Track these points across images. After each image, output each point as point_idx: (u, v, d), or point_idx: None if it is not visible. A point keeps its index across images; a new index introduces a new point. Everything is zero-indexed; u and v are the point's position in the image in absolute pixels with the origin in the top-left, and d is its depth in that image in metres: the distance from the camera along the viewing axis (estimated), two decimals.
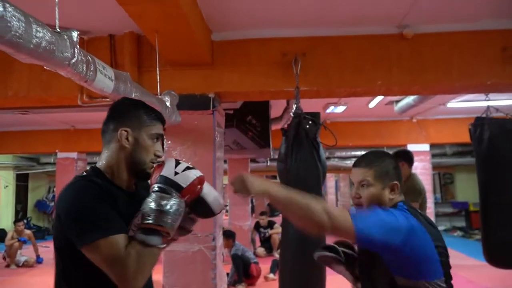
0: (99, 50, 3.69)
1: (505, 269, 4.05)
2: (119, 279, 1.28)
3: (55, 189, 11.45)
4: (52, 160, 11.96)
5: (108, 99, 3.50)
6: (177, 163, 1.40)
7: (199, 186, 1.40)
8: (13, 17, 1.28)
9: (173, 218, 1.30)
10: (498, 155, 3.80)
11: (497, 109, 4.04)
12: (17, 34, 1.31)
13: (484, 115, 3.99)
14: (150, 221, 1.28)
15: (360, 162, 1.88)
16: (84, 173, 1.49)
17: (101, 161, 1.50)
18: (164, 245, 1.36)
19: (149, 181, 1.51)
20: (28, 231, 9.24)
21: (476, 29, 3.59)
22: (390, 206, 1.78)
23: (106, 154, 1.50)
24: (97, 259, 1.29)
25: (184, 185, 1.34)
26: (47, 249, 9.68)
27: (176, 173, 1.35)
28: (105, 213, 1.33)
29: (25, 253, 8.87)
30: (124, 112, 1.51)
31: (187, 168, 1.39)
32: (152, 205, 1.29)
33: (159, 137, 1.54)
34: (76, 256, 1.32)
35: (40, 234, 12.62)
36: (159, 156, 1.52)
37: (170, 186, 1.33)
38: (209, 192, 1.46)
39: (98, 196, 1.36)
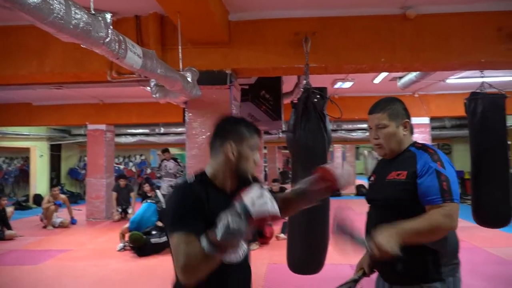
0: (126, 30, 3.76)
1: (491, 228, 4.29)
2: (175, 269, 1.44)
3: (86, 158, 11.69)
4: (82, 132, 12.15)
5: (134, 75, 3.59)
6: (260, 194, 1.40)
7: (268, 222, 1.45)
8: (55, 0, 1.35)
9: (232, 239, 1.38)
10: (489, 128, 3.92)
11: (490, 85, 4.09)
12: (59, 16, 1.39)
13: (478, 91, 4.04)
14: (214, 234, 1.37)
15: (374, 108, 2.00)
16: (193, 177, 1.63)
17: (209, 169, 1.63)
18: (218, 255, 1.43)
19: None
20: (63, 196, 9.45)
21: (474, 10, 3.58)
22: (406, 141, 1.95)
23: (214, 164, 1.63)
24: (171, 246, 1.46)
25: (254, 217, 1.38)
26: (80, 211, 9.96)
27: (253, 204, 1.38)
28: (188, 214, 1.47)
29: (60, 215, 9.13)
30: (228, 129, 1.63)
31: (265, 202, 1.39)
32: (223, 220, 1.37)
33: (257, 147, 1.66)
34: None
35: (73, 198, 12.91)
36: (256, 163, 1.65)
37: (244, 213, 1.37)
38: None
39: (188, 199, 1.51)
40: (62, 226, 8.78)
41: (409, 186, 1.79)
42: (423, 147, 1.91)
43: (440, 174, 1.74)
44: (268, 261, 5.69)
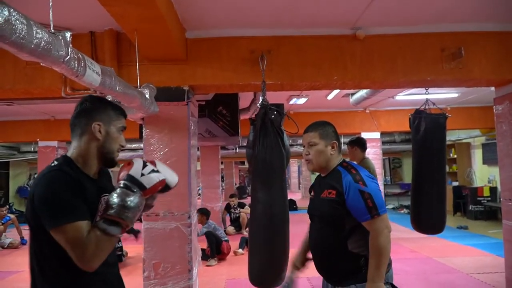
0: (81, 46, 3.67)
1: (427, 234, 4.66)
2: (78, 260, 1.36)
3: (36, 176, 11.22)
4: (32, 149, 11.69)
5: (89, 91, 3.53)
6: (144, 165, 1.48)
7: (160, 188, 1.50)
8: (17, 21, 1.34)
9: (133, 213, 1.40)
10: (430, 145, 4.25)
11: (433, 103, 4.37)
12: (21, 35, 1.38)
13: (422, 108, 4.31)
14: (113, 213, 1.37)
15: (308, 128, 2.28)
16: (56, 162, 1.54)
17: (72, 151, 1.57)
18: (122, 234, 1.44)
19: (109, 170, 1.68)
20: (12, 215, 9.06)
21: (419, 32, 3.80)
22: (333, 160, 2.19)
23: (77, 145, 1.57)
24: (62, 240, 1.37)
25: (147, 186, 1.44)
26: None
27: (142, 175, 1.45)
28: (72, 201, 1.40)
29: (9, 236, 8.72)
30: (94, 108, 1.59)
31: (152, 171, 1.48)
32: (117, 199, 1.38)
33: (123, 129, 1.65)
34: (49, 236, 1.39)
35: (22, 218, 12.24)
36: (122, 146, 1.63)
37: (135, 185, 1.42)
38: (164, 171, 1.55)
39: (67, 186, 1.42)
40: (11, 246, 8.40)
41: (338, 204, 2.05)
42: (347, 167, 2.16)
43: (363, 193, 2.00)
44: (227, 276, 5.67)
